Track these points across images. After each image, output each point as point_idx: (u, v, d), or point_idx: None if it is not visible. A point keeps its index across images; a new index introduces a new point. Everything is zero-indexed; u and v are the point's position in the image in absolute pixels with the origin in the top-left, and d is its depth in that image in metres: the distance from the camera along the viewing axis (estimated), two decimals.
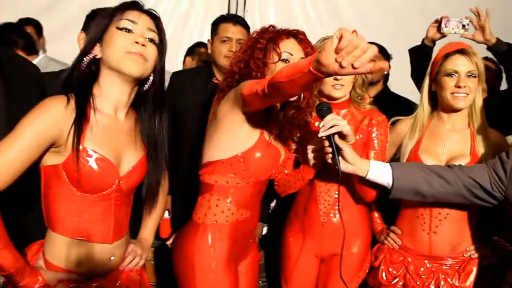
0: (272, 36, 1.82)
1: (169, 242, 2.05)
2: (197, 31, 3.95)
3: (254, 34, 1.86)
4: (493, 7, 2.51)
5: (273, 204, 2.64)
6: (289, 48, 1.82)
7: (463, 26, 2.53)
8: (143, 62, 1.47)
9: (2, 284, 1.48)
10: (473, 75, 1.97)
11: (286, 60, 1.80)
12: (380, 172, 1.84)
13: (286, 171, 2.03)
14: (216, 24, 2.74)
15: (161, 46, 1.54)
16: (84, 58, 1.48)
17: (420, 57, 2.68)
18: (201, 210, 1.85)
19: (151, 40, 1.50)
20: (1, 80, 1.76)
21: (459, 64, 1.97)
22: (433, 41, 2.68)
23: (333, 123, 1.70)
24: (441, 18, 2.58)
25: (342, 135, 1.73)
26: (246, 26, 2.77)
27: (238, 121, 1.75)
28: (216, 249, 1.81)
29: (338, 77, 1.99)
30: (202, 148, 1.92)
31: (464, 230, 2.01)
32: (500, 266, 1.90)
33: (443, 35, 2.64)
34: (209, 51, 2.80)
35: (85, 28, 2.25)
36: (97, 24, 1.50)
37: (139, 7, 1.52)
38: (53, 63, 3.45)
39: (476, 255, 2.00)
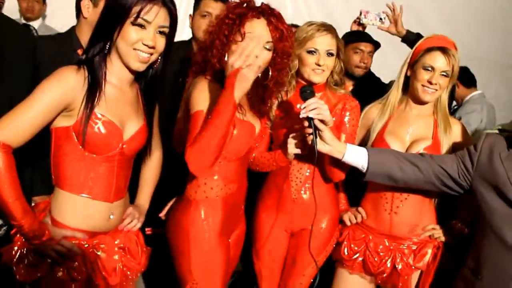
0: (241, 12, 1.78)
1: (161, 214, 2.10)
2: (183, 8, 3.92)
3: (229, 6, 1.83)
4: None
5: None
6: (255, 30, 1.77)
7: (380, 19, 2.89)
8: (148, 61, 1.60)
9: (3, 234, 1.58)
10: (447, 74, 2.07)
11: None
12: (356, 156, 1.91)
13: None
14: (198, 0, 2.79)
15: (170, 35, 1.63)
16: (104, 48, 1.58)
17: None
18: (192, 188, 1.91)
19: (162, 33, 1.58)
20: None
21: (437, 61, 2.06)
22: None
23: (315, 106, 1.78)
24: (361, 11, 2.92)
25: (321, 119, 1.80)
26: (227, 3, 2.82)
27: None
28: (209, 222, 1.88)
29: (321, 62, 2.06)
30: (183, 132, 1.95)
31: (423, 213, 2.14)
32: (460, 249, 2.02)
33: (364, 27, 3.02)
34: (189, 26, 2.83)
35: None
36: (115, 12, 1.53)
37: (160, 1, 1.56)
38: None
39: (432, 234, 2.12)
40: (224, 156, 1.86)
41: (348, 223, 2.22)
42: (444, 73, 2.06)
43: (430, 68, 2.07)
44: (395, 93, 2.20)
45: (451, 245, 2.14)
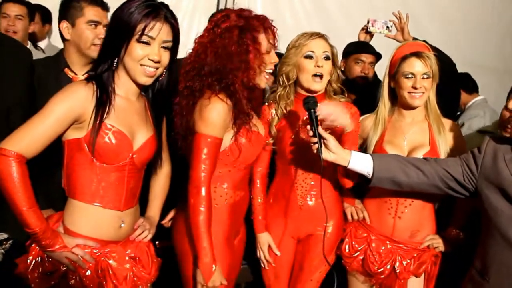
0: (256, 34, 1.83)
1: (164, 222, 2.12)
2: (186, 23, 3.98)
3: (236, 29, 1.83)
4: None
5: None
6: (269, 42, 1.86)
7: (387, 27, 2.96)
8: (155, 75, 1.67)
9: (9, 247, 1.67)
10: (428, 76, 2.12)
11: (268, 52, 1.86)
12: (361, 162, 1.94)
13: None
14: (213, 16, 2.84)
15: (174, 49, 1.69)
16: (112, 65, 1.64)
17: None
18: None
19: (166, 47, 1.65)
20: None
21: (415, 66, 2.11)
22: None
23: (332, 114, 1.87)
24: (368, 20, 2.99)
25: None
26: None
27: None
28: (217, 229, 1.89)
29: (319, 63, 2.09)
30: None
31: (424, 218, 2.18)
32: (461, 254, 2.09)
33: (371, 35, 3.09)
34: None
35: (65, 17, 2.29)
36: (121, 31, 1.60)
37: (162, 18, 1.62)
38: None
39: (431, 244, 2.16)
40: (234, 165, 1.91)
41: (350, 218, 2.24)
42: (425, 75, 2.11)
43: (410, 75, 2.11)
44: (383, 108, 2.24)
45: (450, 253, 2.19)
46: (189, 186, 1.80)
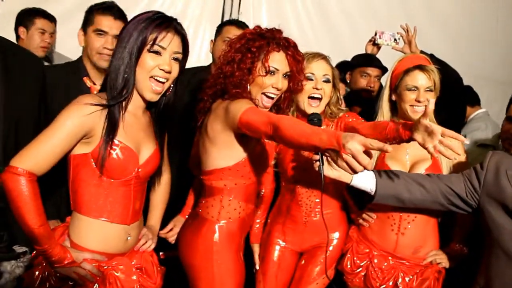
0: (261, 45, 1.86)
1: (162, 232, 2.12)
2: (192, 31, 3.99)
3: (247, 36, 1.88)
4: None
5: None
6: (276, 63, 1.87)
7: (395, 39, 2.96)
8: (161, 92, 1.64)
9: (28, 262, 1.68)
10: (431, 89, 2.11)
11: (272, 72, 1.87)
12: (364, 179, 1.93)
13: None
14: (221, 27, 2.93)
15: (183, 62, 1.69)
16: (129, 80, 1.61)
17: None
18: (214, 210, 1.94)
19: (176, 59, 1.65)
20: (2, 71, 1.87)
21: (419, 79, 2.10)
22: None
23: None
24: (376, 32, 2.99)
25: None
26: None
27: (233, 137, 1.84)
28: (231, 242, 1.93)
29: (318, 86, 2.09)
30: (200, 155, 1.99)
31: (427, 234, 2.16)
32: (464, 268, 2.09)
33: (378, 47, 3.10)
34: (210, 51, 2.95)
35: (84, 26, 2.32)
36: (133, 42, 1.59)
37: (173, 29, 1.63)
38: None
39: (434, 260, 2.14)
40: (249, 177, 1.93)
41: (366, 224, 2.21)
42: (428, 89, 2.11)
43: (414, 88, 2.11)
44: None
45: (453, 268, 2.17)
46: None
